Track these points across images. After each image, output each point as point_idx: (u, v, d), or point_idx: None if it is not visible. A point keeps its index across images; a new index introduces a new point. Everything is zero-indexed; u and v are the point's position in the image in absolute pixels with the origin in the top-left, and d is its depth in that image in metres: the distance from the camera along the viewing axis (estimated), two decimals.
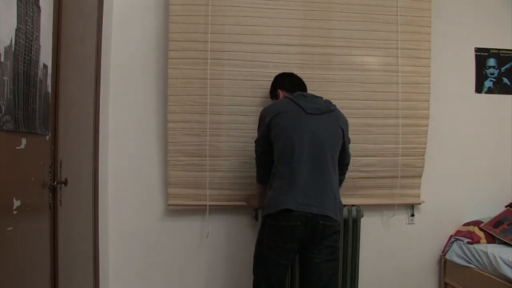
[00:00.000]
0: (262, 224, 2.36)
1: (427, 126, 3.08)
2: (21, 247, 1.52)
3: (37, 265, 1.71)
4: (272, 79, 2.91)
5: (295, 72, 2.93)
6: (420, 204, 3.15)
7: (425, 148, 3.08)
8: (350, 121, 2.95)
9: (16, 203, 1.45)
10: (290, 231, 2.22)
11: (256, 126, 2.56)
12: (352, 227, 2.93)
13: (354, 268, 2.94)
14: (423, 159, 3.09)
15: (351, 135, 2.96)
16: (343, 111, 2.94)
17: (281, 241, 2.25)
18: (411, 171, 3.08)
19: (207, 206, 2.89)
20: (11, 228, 1.41)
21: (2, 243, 1.36)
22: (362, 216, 2.97)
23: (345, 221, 2.93)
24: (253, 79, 2.90)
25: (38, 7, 1.58)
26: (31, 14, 1.51)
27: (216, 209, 2.94)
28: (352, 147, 2.97)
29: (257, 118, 2.90)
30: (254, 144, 2.52)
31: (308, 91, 2.94)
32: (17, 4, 1.39)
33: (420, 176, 3.10)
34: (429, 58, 3.07)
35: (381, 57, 3.03)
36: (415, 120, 3.07)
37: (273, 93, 2.67)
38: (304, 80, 2.94)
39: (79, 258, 2.35)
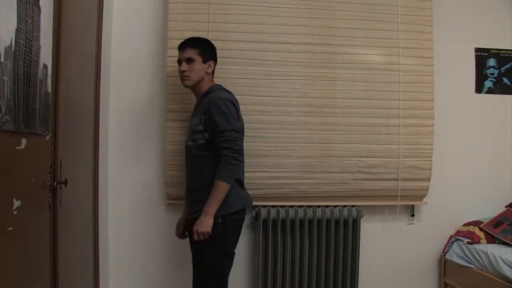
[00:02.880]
0: (222, 224, 2.25)
1: (433, 126, 3.06)
2: (21, 247, 1.52)
3: (37, 265, 1.70)
4: (272, 78, 2.92)
5: (296, 71, 2.94)
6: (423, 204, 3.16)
7: (431, 149, 3.05)
8: (353, 120, 2.98)
9: (16, 203, 1.45)
10: (243, 223, 2.45)
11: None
12: (352, 227, 2.94)
13: (354, 268, 2.94)
14: (430, 161, 3.05)
15: (353, 135, 2.98)
16: (345, 110, 2.99)
17: (239, 233, 2.41)
18: (417, 173, 3.04)
19: None
20: (11, 228, 1.41)
21: (2, 243, 1.36)
22: (362, 217, 2.97)
23: (345, 221, 2.94)
24: (254, 77, 2.90)
25: (38, 7, 1.58)
26: (31, 14, 1.51)
27: None
28: (355, 148, 2.98)
29: (258, 116, 2.91)
30: (231, 135, 2.26)
31: (310, 90, 2.99)
32: (17, 4, 1.39)
33: (428, 180, 3.06)
34: (432, 57, 3.06)
35: (383, 56, 3.03)
36: (419, 120, 3.05)
37: (204, 58, 2.43)
38: (306, 78, 2.97)
39: (79, 258, 2.35)
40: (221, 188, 2.22)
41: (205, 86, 2.42)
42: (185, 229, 2.53)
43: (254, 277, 2.97)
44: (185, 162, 2.48)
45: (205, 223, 2.20)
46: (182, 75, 2.41)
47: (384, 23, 3.03)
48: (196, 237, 2.22)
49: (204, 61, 2.42)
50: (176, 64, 2.51)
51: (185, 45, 2.43)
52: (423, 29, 3.07)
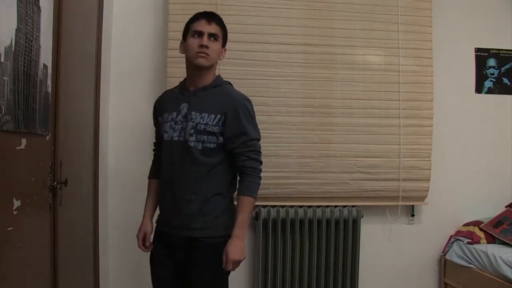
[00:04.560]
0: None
1: (432, 126, 3.07)
2: (21, 247, 1.52)
3: (37, 265, 1.70)
4: (272, 78, 2.92)
5: (295, 71, 2.95)
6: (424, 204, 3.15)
7: (430, 149, 3.06)
8: (352, 121, 2.98)
9: (16, 203, 1.45)
10: None
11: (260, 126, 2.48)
12: (352, 227, 2.94)
13: (354, 268, 2.95)
14: (430, 161, 3.06)
15: (352, 135, 2.98)
16: (344, 110, 2.99)
17: None
18: (416, 174, 3.04)
19: None
20: (11, 228, 1.41)
21: (2, 243, 1.36)
22: (362, 217, 2.98)
23: (345, 221, 2.94)
24: (253, 78, 2.90)
25: (38, 7, 1.58)
26: (31, 14, 1.51)
27: None
28: (354, 148, 2.98)
29: (257, 117, 2.88)
30: (259, 145, 2.00)
31: (310, 90, 2.99)
32: (17, 4, 1.39)
33: (428, 180, 3.06)
34: (431, 58, 3.07)
35: (382, 56, 3.04)
36: (418, 120, 3.06)
37: (223, 42, 2.06)
38: (305, 79, 2.96)
39: (79, 258, 2.35)
40: (251, 205, 1.93)
41: (210, 76, 2.00)
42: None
43: (254, 277, 2.96)
44: (171, 162, 1.97)
45: (243, 250, 1.88)
46: (201, 51, 1.92)
47: (384, 23, 3.03)
48: (231, 267, 1.88)
49: (222, 46, 2.04)
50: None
51: (211, 18, 2.00)
52: (423, 29, 3.07)
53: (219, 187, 1.95)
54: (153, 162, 2.22)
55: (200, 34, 1.94)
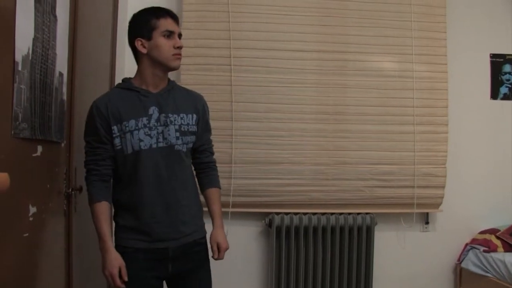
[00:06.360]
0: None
1: (447, 133, 3.04)
2: (37, 253, 1.53)
3: (52, 271, 1.72)
4: (286, 85, 2.92)
5: (310, 78, 2.94)
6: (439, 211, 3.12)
7: (445, 156, 3.04)
8: (366, 128, 2.96)
9: (32, 209, 1.46)
10: None
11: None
12: (365, 235, 2.91)
13: (368, 276, 2.92)
14: (445, 168, 3.03)
15: (367, 142, 2.96)
16: (358, 117, 2.97)
17: None
18: (432, 181, 3.02)
19: (229, 213, 2.88)
20: (27, 234, 1.42)
21: (18, 249, 1.38)
22: (376, 224, 2.95)
23: (359, 229, 2.92)
24: (268, 85, 2.91)
25: (55, 16, 1.60)
26: (48, 23, 1.53)
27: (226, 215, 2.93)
28: (368, 155, 2.97)
29: (271, 124, 2.90)
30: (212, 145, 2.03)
31: (324, 97, 2.99)
32: (35, 14, 1.41)
33: (443, 187, 3.03)
34: (446, 64, 3.05)
35: (396, 62, 3.02)
36: (433, 127, 3.03)
37: None
38: (319, 86, 2.96)
39: (93, 264, 2.36)
40: (220, 196, 2.00)
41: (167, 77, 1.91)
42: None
43: (267, 285, 2.95)
44: (157, 172, 1.78)
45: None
46: (178, 53, 1.82)
47: (398, 30, 3.02)
48: (222, 256, 1.93)
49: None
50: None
51: (175, 16, 1.89)
52: (437, 35, 3.05)
53: (196, 187, 1.95)
54: (99, 182, 1.78)
55: (171, 34, 1.81)
